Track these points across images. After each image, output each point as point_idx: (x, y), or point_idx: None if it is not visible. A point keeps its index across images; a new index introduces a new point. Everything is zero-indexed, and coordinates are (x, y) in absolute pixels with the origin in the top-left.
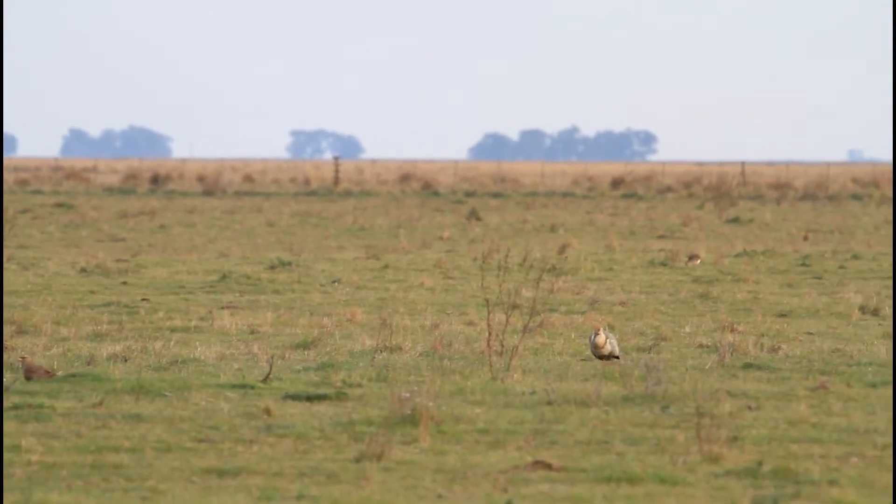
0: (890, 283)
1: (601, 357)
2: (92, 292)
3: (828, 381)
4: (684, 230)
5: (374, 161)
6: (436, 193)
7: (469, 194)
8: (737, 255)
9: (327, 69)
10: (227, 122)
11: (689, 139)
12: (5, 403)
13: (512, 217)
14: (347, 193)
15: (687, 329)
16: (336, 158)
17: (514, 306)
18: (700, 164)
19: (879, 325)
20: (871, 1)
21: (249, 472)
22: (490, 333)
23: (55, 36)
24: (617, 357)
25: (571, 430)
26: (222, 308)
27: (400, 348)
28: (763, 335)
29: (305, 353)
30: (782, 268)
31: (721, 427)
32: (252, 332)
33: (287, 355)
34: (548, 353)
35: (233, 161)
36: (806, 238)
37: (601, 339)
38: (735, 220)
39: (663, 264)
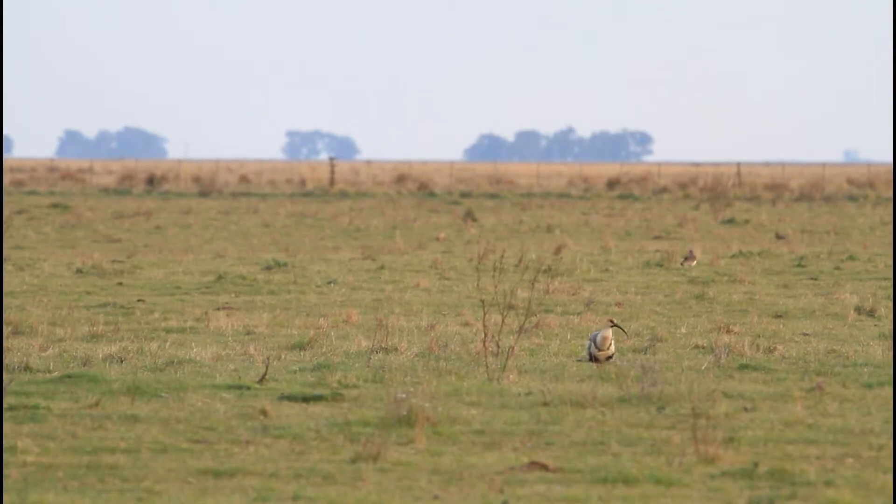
0: (885, 283)
1: (604, 358)
2: (88, 293)
3: (824, 381)
4: (680, 231)
5: (369, 162)
6: (431, 194)
7: (465, 195)
8: (732, 256)
9: (323, 70)
10: (223, 122)
11: (685, 140)
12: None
13: (508, 218)
14: (343, 194)
15: (683, 330)
16: (332, 159)
17: (510, 307)
18: (696, 164)
19: (875, 325)
20: (869, 2)
21: (245, 473)
22: (486, 334)
23: (50, 37)
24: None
25: (567, 431)
26: (218, 309)
27: (396, 349)
28: (759, 336)
29: (301, 353)
30: (778, 269)
31: (717, 428)
32: (248, 333)
33: (283, 356)
34: (544, 354)
35: (228, 162)
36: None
37: (607, 335)
38: (731, 221)
39: (659, 265)
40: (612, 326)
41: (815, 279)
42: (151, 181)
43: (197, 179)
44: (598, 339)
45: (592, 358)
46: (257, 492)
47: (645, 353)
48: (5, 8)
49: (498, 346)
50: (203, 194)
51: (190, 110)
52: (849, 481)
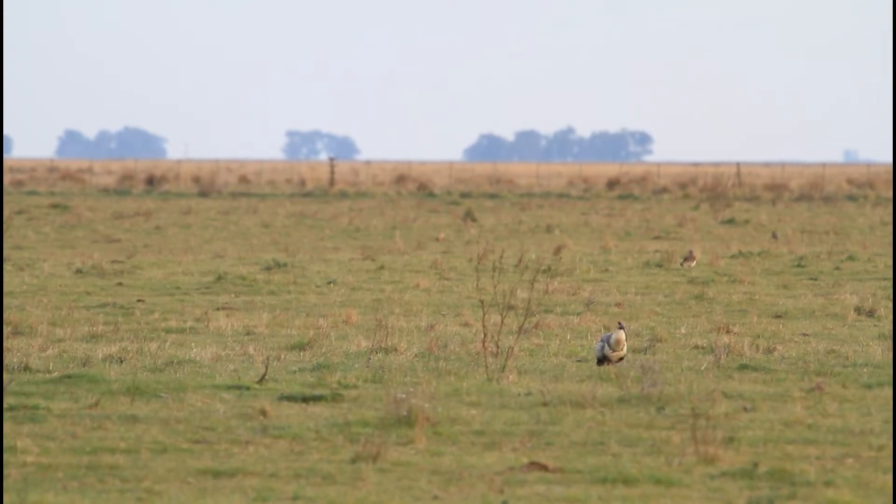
0: (885, 283)
1: (616, 360)
2: (87, 293)
3: (823, 382)
4: (680, 231)
5: (369, 162)
6: (431, 194)
7: (464, 195)
8: (732, 257)
9: (323, 70)
10: (223, 123)
11: (685, 140)
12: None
13: (507, 218)
14: (343, 194)
15: (682, 330)
16: (331, 159)
17: (510, 307)
18: (695, 164)
19: (875, 326)
20: (869, 2)
21: (245, 474)
22: (485, 334)
23: (50, 37)
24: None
25: (567, 431)
26: (218, 309)
27: (395, 349)
28: (758, 336)
29: (301, 354)
30: (778, 269)
31: (717, 428)
32: (247, 334)
33: (282, 356)
34: (543, 354)
35: (228, 162)
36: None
37: (621, 338)
38: (730, 221)
39: (659, 265)
40: (620, 328)
41: (815, 279)
42: (151, 181)
43: (197, 179)
44: (612, 340)
45: (603, 358)
46: (257, 492)
47: (645, 354)
48: (5, 8)
49: (497, 347)
50: (203, 194)
51: (190, 110)
52: (849, 481)
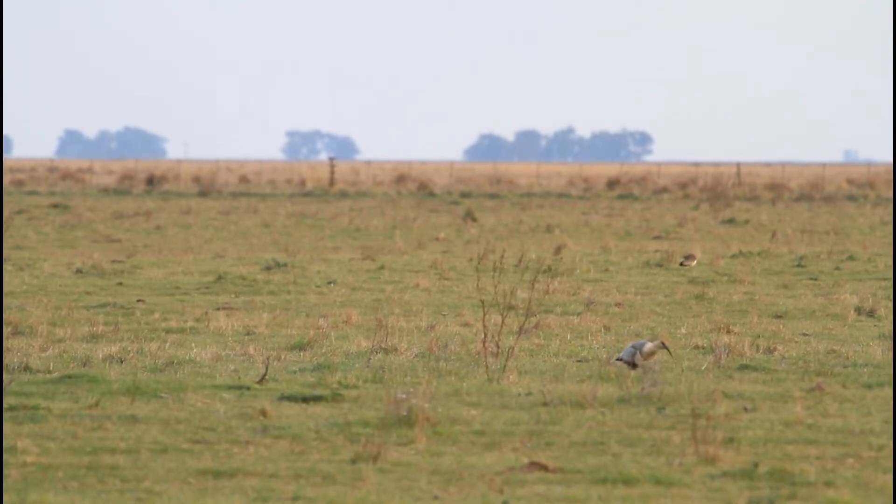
0: (885, 283)
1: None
2: (87, 293)
3: (824, 382)
4: (680, 231)
5: (369, 162)
6: (431, 194)
7: (465, 195)
8: (732, 256)
9: (323, 70)
10: (223, 122)
11: (685, 140)
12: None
13: (507, 218)
14: (343, 194)
15: (683, 330)
16: (332, 159)
17: (510, 307)
18: (696, 164)
19: (875, 326)
20: (870, 2)
21: (245, 474)
22: (486, 334)
23: (50, 37)
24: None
25: (567, 431)
26: (218, 309)
27: (395, 349)
28: (759, 336)
29: (301, 354)
30: (778, 269)
31: (717, 428)
32: (248, 334)
33: (283, 356)
34: (544, 355)
35: (228, 162)
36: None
37: (654, 351)
38: (730, 221)
39: (659, 265)
40: (662, 347)
41: (815, 279)
42: (151, 181)
43: (197, 179)
44: (645, 350)
45: (632, 364)
46: (257, 492)
47: None
48: (5, 8)
49: (498, 347)
50: (203, 194)
51: (190, 110)
52: (849, 481)
